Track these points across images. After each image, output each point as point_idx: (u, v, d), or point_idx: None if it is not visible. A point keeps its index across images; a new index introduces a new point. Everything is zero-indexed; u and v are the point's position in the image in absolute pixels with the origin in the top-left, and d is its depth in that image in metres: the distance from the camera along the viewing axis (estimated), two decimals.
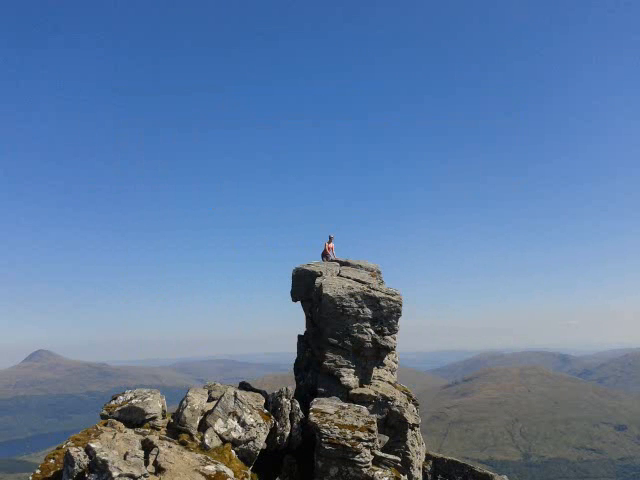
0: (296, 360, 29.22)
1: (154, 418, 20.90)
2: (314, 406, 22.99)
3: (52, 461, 18.51)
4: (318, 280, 26.82)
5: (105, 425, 20.28)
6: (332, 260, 31.39)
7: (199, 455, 19.30)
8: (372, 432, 21.51)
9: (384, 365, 26.98)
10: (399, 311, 25.79)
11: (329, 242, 32.22)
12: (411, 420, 24.54)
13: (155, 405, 21.20)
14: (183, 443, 19.92)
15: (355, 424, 21.66)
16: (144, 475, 16.34)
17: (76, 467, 16.60)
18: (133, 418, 20.69)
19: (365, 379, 25.48)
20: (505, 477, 27.56)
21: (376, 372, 26.21)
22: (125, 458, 16.79)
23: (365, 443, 20.97)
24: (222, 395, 21.98)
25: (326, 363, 24.93)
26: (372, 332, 25.30)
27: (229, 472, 18.60)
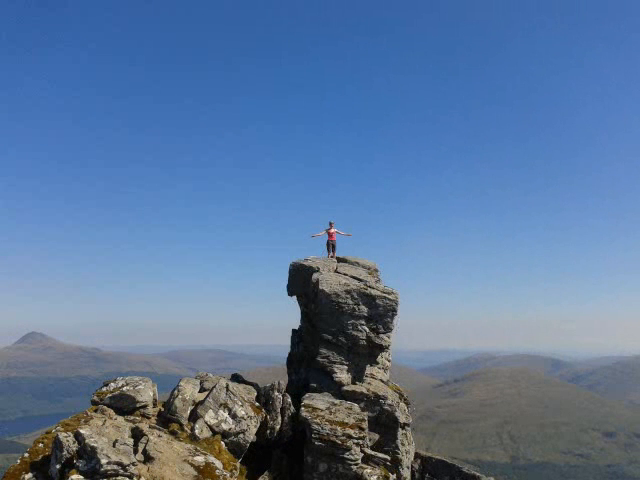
0: (289, 354, 29.19)
1: (145, 406, 20.84)
2: (305, 401, 22.99)
3: (41, 445, 18.42)
4: (315, 275, 26.74)
5: (95, 411, 20.22)
6: (333, 251, 30.93)
7: (189, 445, 19.27)
8: (363, 430, 21.52)
9: (377, 363, 26.96)
10: (395, 310, 25.74)
11: (330, 228, 30.75)
12: (402, 419, 24.53)
13: (146, 393, 21.12)
14: (173, 433, 19.88)
15: (346, 421, 21.66)
16: (133, 463, 16.29)
17: (65, 452, 16.50)
18: (124, 405, 20.63)
19: (358, 376, 25.45)
20: (492, 479, 27.60)
21: (369, 370, 26.19)
22: (114, 445, 16.73)
23: (355, 440, 20.99)
24: (214, 386, 21.95)
25: (319, 359, 24.89)
26: (367, 330, 25.25)
27: (218, 464, 18.57)
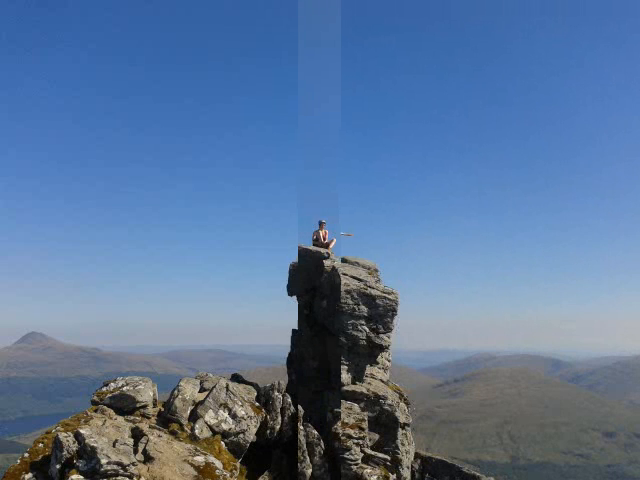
0: (289, 354, 29.17)
1: (145, 406, 20.83)
2: None
3: (41, 445, 18.39)
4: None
5: (95, 411, 20.21)
6: (326, 246, 29.50)
7: (189, 445, 19.26)
8: (363, 430, 21.54)
9: (377, 363, 26.94)
10: (395, 310, 25.72)
11: (320, 228, 28.89)
12: (402, 419, 24.53)
13: (146, 393, 21.11)
14: (173, 433, 19.86)
15: (346, 421, 21.67)
16: (133, 463, 16.28)
17: (65, 452, 16.48)
18: (124, 405, 20.62)
19: (358, 376, 25.44)
20: (492, 479, 27.60)
21: (369, 370, 26.17)
22: (114, 445, 16.72)
23: (355, 440, 21.00)
24: (214, 386, 21.93)
25: None
26: (367, 330, 25.23)
27: (218, 464, 18.56)
